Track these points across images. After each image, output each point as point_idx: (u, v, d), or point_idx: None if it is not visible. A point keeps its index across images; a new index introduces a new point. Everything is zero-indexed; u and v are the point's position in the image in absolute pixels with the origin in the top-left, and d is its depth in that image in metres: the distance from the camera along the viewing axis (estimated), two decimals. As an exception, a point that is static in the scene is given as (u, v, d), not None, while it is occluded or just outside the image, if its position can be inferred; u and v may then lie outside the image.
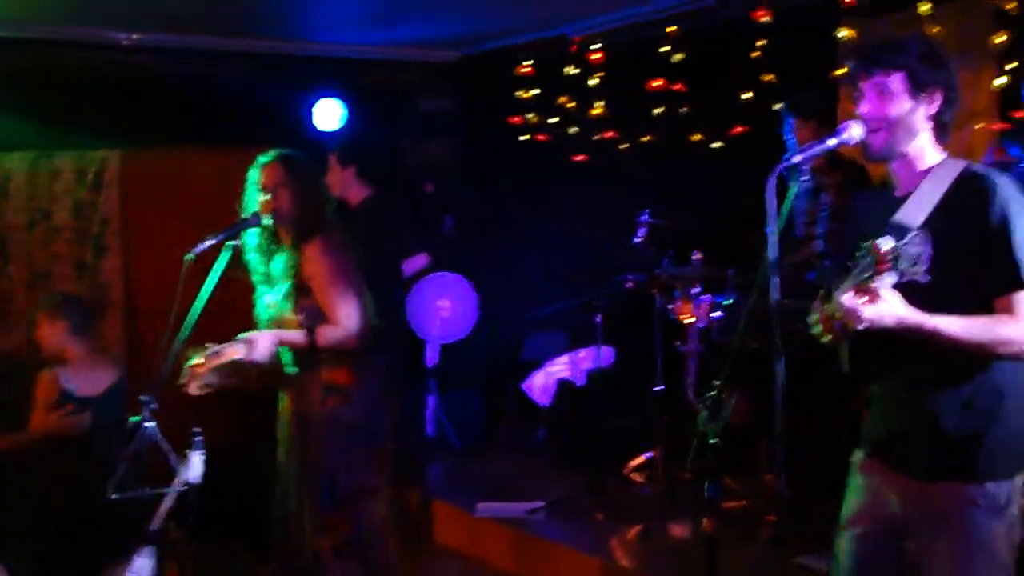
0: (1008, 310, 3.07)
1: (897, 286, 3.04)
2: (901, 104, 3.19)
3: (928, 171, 3.24)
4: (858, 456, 3.50)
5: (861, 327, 2.95)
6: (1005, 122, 5.74)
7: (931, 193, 3.18)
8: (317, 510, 4.79)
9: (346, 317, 4.73)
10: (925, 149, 3.25)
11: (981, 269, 3.11)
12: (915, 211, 3.17)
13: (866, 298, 2.89)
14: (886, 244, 2.83)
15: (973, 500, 3.14)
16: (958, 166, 3.22)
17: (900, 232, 3.10)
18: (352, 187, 6.81)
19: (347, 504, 4.84)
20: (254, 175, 4.86)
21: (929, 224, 3.14)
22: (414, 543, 6.77)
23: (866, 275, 2.86)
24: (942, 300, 3.08)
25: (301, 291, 4.76)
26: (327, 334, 4.72)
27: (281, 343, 4.74)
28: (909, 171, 3.27)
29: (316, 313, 4.76)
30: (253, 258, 4.92)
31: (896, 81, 3.19)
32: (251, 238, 4.89)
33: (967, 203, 3.12)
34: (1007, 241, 3.06)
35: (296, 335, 4.73)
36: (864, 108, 3.24)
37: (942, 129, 3.26)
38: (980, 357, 3.11)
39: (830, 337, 3.28)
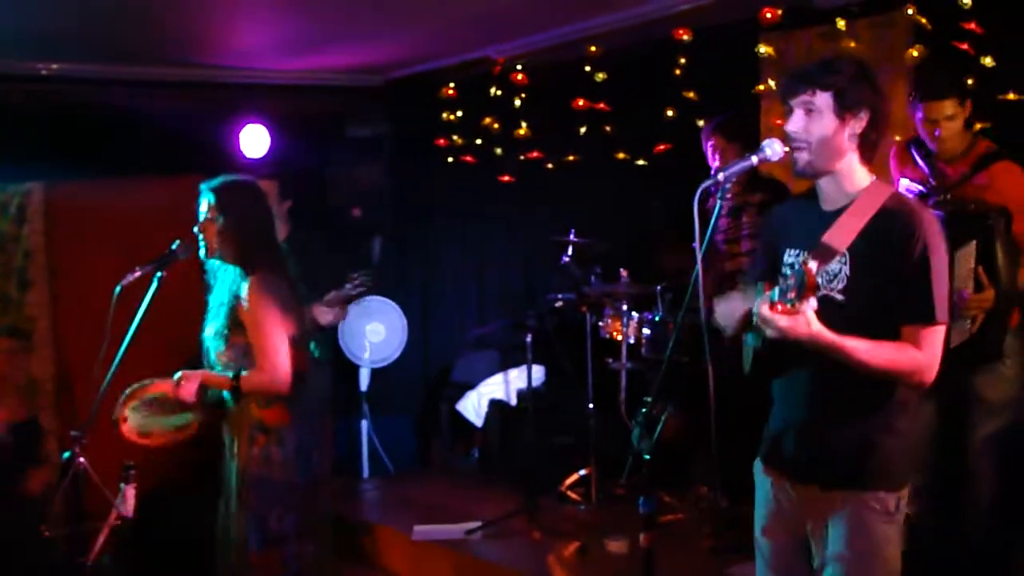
0: (914, 341, 3.16)
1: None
2: (826, 123, 3.24)
3: (856, 192, 3.29)
4: (758, 465, 3.58)
5: (774, 336, 3.01)
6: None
7: (857, 217, 3.24)
8: (246, 550, 4.72)
9: (273, 364, 4.58)
10: (853, 167, 3.30)
11: (896, 297, 3.18)
12: (842, 234, 3.23)
13: (785, 315, 2.94)
14: (816, 267, 2.89)
15: (868, 505, 3.24)
16: (885, 192, 3.29)
17: (827, 254, 3.18)
18: (281, 222, 6.71)
19: (278, 544, 4.77)
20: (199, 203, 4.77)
21: (852, 247, 3.22)
22: (355, 568, 6.77)
23: (791, 295, 2.91)
24: (855, 319, 3.16)
25: (235, 327, 4.63)
26: (252, 380, 4.60)
27: (206, 384, 4.68)
28: (837, 188, 3.32)
29: (244, 352, 4.66)
30: (214, 282, 4.85)
31: (823, 100, 3.23)
32: (212, 263, 4.82)
33: (892, 232, 3.18)
34: (926, 276, 3.14)
35: (221, 378, 4.64)
36: (791, 125, 3.30)
37: (869, 148, 3.31)
38: (878, 379, 3.19)
39: (731, 332, 3.38)
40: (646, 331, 6.41)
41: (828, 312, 3.05)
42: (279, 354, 4.60)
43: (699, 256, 3.26)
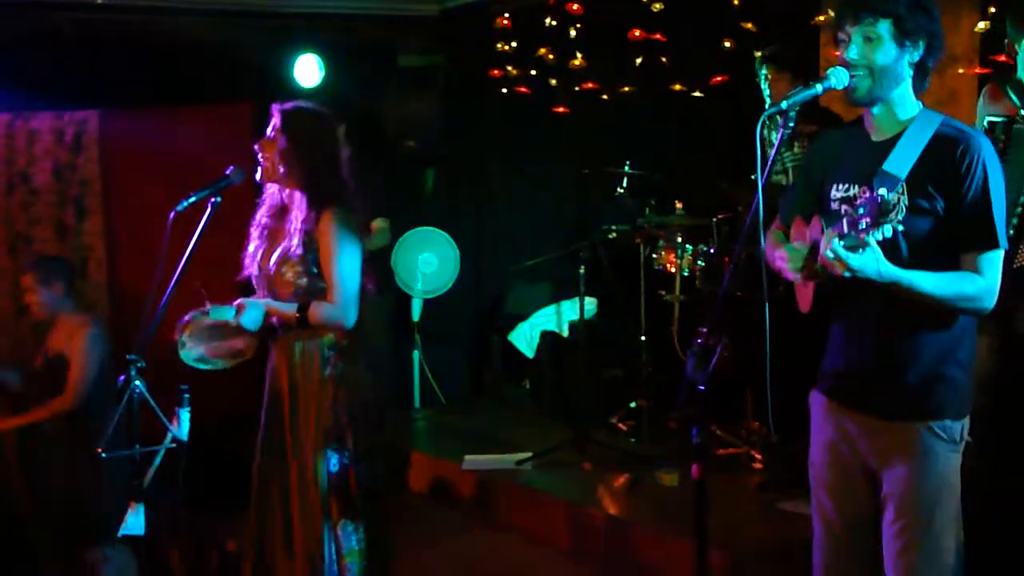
0: (975, 268, 3.17)
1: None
2: (887, 51, 3.23)
3: (907, 121, 3.29)
4: (816, 396, 3.59)
5: (845, 275, 2.99)
6: (986, 67, 5.74)
7: (913, 145, 3.22)
8: (325, 472, 4.73)
9: (346, 298, 4.56)
10: (905, 96, 3.31)
11: (955, 224, 3.17)
12: (900, 162, 3.21)
13: (858, 249, 2.91)
14: (889, 197, 2.85)
15: (935, 434, 3.25)
16: (936, 119, 3.27)
17: (891, 182, 3.15)
18: None
19: (356, 462, 4.79)
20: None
21: (908, 176, 3.20)
22: (405, 497, 6.84)
23: (863, 224, 2.87)
24: (914, 249, 3.17)
25: (308, 257, 4.62)
26: (319, 312, 4.55)
27: (270, 313, 4.67)
28: (889, 117, 3.32)
29: (318, 282, 4.67)
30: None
31: (883, 27, 3.22)
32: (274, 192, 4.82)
33: (948, 158, 3.17)
34: (986, 202, 3.15)
35: (287, 308, 4.62)
36: (853, 53, 3.26)
37: (922, 76, 3.31)
38: (942, 309, 3.19)
39: (800, 276, 3.34)
40: (700, 263, 6.37)
41: (887, 244, 3.02)
42: (353, 287, 4.59)
43: (759, 187, 3.22)
